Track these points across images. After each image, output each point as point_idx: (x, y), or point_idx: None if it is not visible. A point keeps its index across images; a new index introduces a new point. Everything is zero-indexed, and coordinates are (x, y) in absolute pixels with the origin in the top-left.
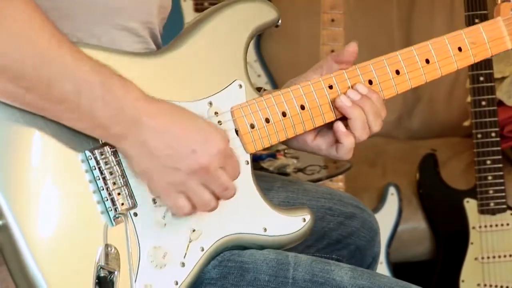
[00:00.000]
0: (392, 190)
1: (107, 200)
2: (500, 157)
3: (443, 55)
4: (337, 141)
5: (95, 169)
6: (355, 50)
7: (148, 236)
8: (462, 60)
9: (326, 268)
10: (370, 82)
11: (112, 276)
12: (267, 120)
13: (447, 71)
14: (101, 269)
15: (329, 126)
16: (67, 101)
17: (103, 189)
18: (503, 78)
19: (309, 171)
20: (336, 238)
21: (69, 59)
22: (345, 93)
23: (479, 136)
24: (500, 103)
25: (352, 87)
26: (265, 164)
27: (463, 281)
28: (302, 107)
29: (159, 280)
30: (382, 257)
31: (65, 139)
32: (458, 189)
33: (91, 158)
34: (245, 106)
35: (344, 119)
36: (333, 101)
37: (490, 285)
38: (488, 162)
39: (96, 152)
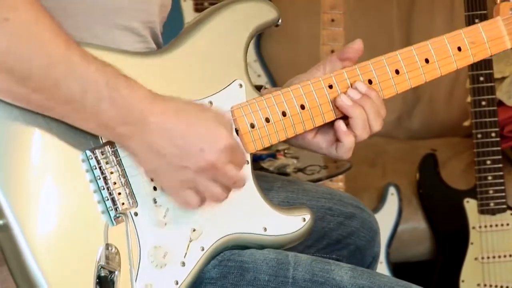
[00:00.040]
0: (392, 190)
1: (108, 199)
2: (500, 157)
3: (442, 54)
4: (337, 140)
5: (96, 168)
6: (360, 48)
7: (149, 236)
8: (462, 59)
9: (326, 268)
10: (370, 81)
11: (112, 276)
12: (267, 120)
13: (446, 71)
14: (101, 269)
15: (330, 124)
16: (73, 101)
17: (103, 189)
18: (503, 78)
19: (309, 171)
20: (336, 238)
21: (77, 60)
22: (345, 93)
23: (479, 136)
24: (500, 103)
25: (351, 86)
26: (265, 164)
27: (463, 281)
28: (302, 107)
29: (159, 279)
30: (382, 257)
31: (65, 138)
32: (458, 189)
33: (92, 158)
34: (245, 106)
35: (343, 118)
36: (333, 101)
37: (490, 285)
38: (488, 162)
39: (97, 151)
